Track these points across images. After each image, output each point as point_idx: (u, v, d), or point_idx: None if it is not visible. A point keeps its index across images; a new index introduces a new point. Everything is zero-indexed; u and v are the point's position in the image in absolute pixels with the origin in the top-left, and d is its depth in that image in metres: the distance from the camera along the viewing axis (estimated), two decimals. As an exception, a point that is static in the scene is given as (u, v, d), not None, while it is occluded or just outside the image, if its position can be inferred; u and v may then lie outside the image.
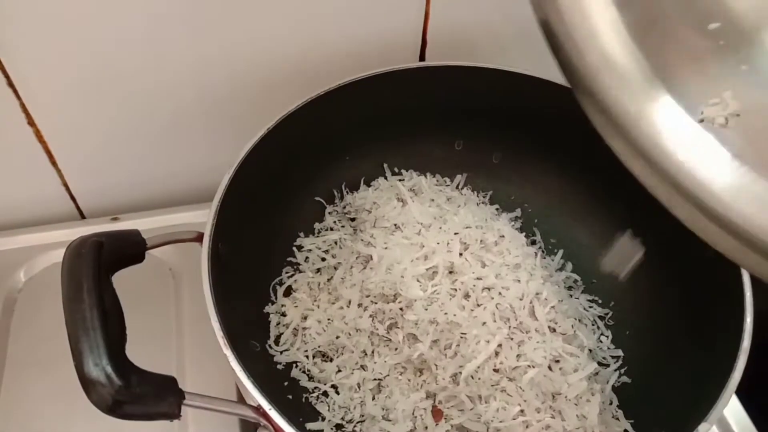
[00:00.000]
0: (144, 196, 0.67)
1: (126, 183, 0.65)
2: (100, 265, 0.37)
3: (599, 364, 0.51)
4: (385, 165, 0.61)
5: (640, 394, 0.49)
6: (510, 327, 0.47)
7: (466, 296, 0.48)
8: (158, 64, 0.56)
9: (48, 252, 0.61)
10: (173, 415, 0.35)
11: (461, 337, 0.46)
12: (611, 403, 0.49)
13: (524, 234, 0.58)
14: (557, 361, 0.47)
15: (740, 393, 0.41)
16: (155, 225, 0.63)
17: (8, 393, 0.53)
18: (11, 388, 0.53)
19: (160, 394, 0.35)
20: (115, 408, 0.33)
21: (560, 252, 0.58)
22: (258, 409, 0.38)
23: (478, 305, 0.47)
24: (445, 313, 0.47)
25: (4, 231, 0.63)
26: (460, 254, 0.50)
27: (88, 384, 0.34)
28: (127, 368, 0.34)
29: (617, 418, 0.48)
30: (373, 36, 0.60)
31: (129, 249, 0.40)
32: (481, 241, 0.51)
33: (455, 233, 0.51)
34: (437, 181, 0.61)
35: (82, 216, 0.67)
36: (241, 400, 0.51)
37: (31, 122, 0.57)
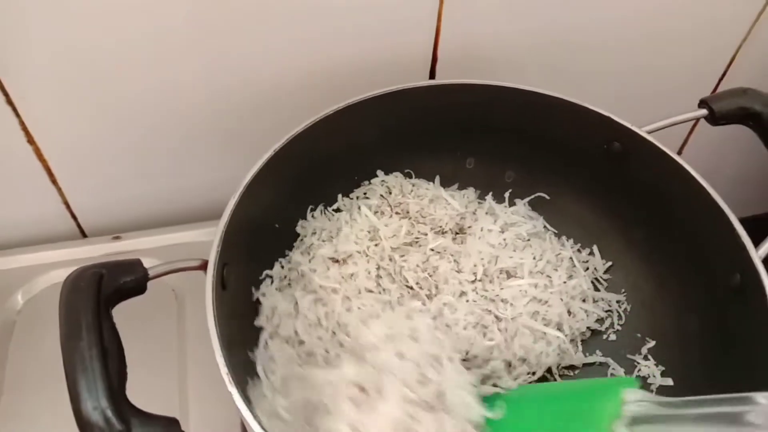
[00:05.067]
0: (147, 214, 0.65)
1: (128, 201, 0.64)
2: (100, 298, 0.36)
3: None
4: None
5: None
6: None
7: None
8: (163, 81, 0.55)
9: (48, 272, 0.60)
10: (175, 460, 0.33)
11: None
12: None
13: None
14: None
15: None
16: (158, 244, 0.62)
17: (5, 418, 0.51)
18: (8, 413, 0.51)
19: (162, 439, 0.33)
20: (114, 454, 0.32)
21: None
22: (265, 452, 0.36)
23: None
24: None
25: (1, 250, 0.61)
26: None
27: (86, 428, 0.32)
28: (128, 411, 0.33)
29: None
30: (383, 52, 0.58)
31: (130, 280, 0.38)
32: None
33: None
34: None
35: (84, 234, 0.65)
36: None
37: (30, 140, 0.55)
